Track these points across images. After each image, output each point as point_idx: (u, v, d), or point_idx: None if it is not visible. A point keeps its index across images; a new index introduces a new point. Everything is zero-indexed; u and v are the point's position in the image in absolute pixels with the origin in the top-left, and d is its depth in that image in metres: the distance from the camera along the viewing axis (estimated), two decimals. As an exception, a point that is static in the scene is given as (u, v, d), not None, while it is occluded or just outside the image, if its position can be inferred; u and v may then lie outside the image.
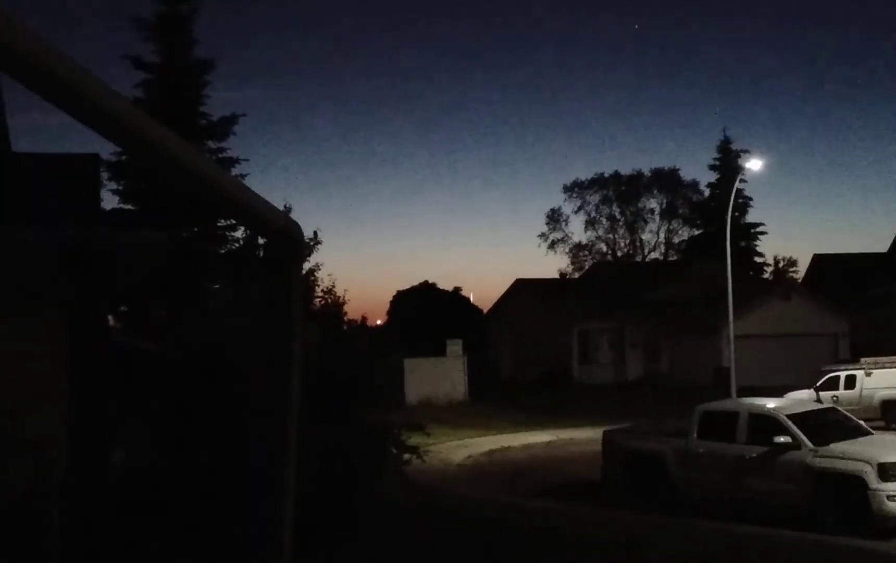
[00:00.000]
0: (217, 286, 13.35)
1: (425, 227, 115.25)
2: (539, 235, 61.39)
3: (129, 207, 26.21)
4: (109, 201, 25.21)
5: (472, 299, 69.07)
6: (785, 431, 16.19)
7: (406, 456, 9.90)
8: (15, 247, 9.92)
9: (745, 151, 50.79)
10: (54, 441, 8.73)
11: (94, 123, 2.09)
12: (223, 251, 18.68)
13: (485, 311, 64.73)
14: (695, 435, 17.64)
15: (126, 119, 2.15)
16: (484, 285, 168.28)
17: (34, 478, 7.76)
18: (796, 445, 15.96)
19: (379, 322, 68.00)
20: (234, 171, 30.22)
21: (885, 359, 32.67)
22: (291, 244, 3.84)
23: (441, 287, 67.10)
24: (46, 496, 7.56)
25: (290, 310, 3.79)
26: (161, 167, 2.47)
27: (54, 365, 9.62)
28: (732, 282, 34.18)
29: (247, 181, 31.35)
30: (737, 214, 41.62)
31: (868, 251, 66.49)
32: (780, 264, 65.34)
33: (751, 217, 63.53)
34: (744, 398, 20.85)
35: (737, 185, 38.80)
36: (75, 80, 1.92)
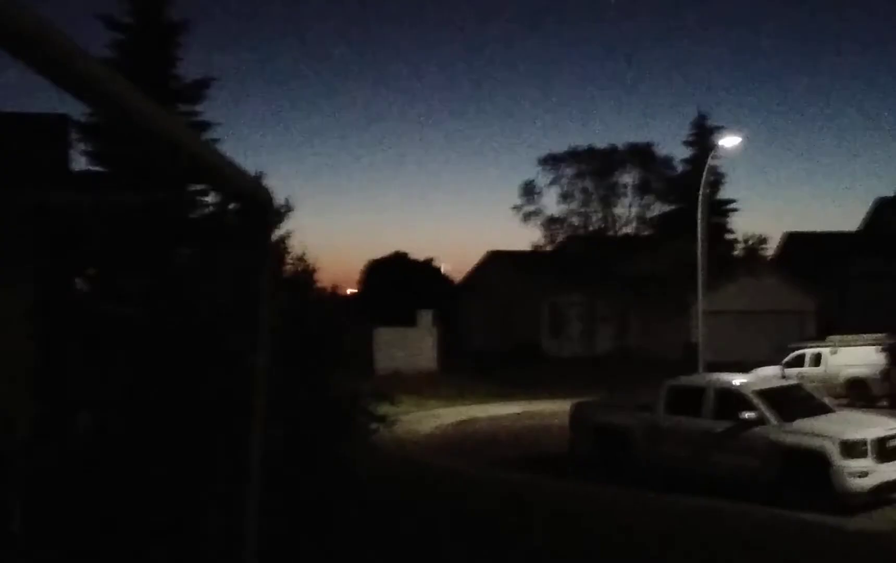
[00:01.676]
0: (188, 251, 13.25)
1: (399, 196, 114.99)
2: (513, 208, 61.08)
3: (100, 169, 25.93)
4: (80, 163, 24.92)
5: (444, 270, 69.18)
6: (751, 406, 16.35)
7: (373, 425, 9.91)
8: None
9: (720, 128, 50.92)
10: (19, 404, 8.66)
11: (61, 81, 2.05)
12: (195, 216, 18.55)
13: (457, 282, 64.82)
14: (662, 410, 17.78)
15: (95, 76, 2.11)
16: (458, 256, 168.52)
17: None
18: (762, 420, 16.12)
19: (351, 291, 67.90)
20: (207, 135, 29.96)
21: (851, 337, 33.06)
22: (261, 211, 3.81)
23: (414, 257, 67.12)
24: (9, 456, 7.51)
25: (259, 277, 3.77)
26: (130, 126, 2.43)
27: (19, 327, 9.52)
28: (703, 258, 34.38)
29: (219, 147, 31.14)
30: (709, 191, 41.78)
31: (840, 230, 67.13)
32: (750, 242, 65.65)
33: (725, 193, 63.73)
34: (711, 374, 21.03)
35: (710, 162, 38.88)
36: (43, 36, 1.88)
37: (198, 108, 29.94)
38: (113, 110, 2.35)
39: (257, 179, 3.98)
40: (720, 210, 62.47)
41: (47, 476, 7.53)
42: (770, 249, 67.13)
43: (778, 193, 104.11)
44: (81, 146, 24.96)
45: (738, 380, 18.18)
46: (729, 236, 64.16)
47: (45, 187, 10.59)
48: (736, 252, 62.41)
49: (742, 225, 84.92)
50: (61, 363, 9.30)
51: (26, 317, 9.44)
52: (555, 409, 26.70)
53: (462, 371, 41.21)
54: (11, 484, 7.25)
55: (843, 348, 32.33)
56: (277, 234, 10.13)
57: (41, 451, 7.81)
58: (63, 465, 7.79)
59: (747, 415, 16.23)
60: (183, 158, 2.82)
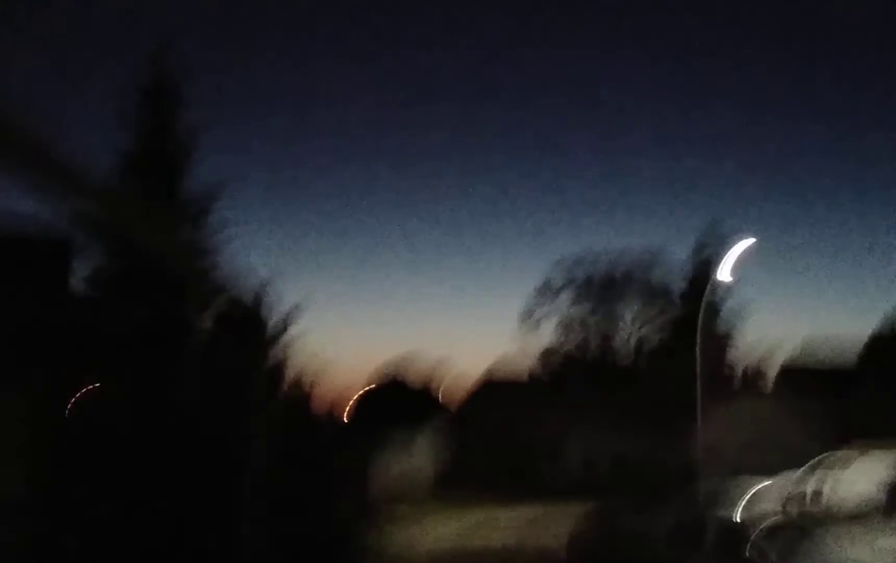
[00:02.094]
0: (186, 361, 13.26)
1: (408, 303, 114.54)
2: (513, 333, 61.28)
3: (97, 291, 26.01)
4: (81, 279, 25.06)
5: (441, 397, 68.83)
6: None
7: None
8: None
9: (733, 234, 51.03)
10: (6, 525, 8.52)
11: (63, 213, 2.06)
12: (196, 326, 18.60)
13: (456, 402, 64.55)
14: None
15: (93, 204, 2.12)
16: (469, 359, 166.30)
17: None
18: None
19: (348, 409, 67.53)
20: (217, 237, 30.06)
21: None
22: (258, 326, 3.81)
23: (411, 384, 66.88)
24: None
25: (253, 391, 3.75)
26: (129, 254, 2.44)
27: (10, 446, 9.43)
28: (703, 387, 34.26)
29: (229, 249, 31.25)
30: (708, 319, 41.85)
31: (836, 363, 66.67)
32: (749, 374, 65.49)
33: (735, 302, 63.10)
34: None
35: (706, 298, 39.06)
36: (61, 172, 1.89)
37: (208, 214, 30.18)
38: (105, 230, 2.36)
39: (253, 303, 4.00)
40: (719, 341, 62.35)
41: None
42: (767, 383, 66.89)
43: (793, 297, 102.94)
44: (83, 268, 25.13)
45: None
46: (732, 357, 63.70)
47: (49, 307, 10.63)
48: (737, 377, 62.18)
49: (756, 330, 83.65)
50: (52, 484, 9.18)
51: (19, 437, 9.38)
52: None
53: (460, 496, 41.11)
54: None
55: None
56: (282, 348, 10.15)
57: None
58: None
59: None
60: (181, 276, 2.83)
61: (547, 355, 61.22)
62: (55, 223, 10.69)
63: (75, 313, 11.83)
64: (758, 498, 25.91)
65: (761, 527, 16.76)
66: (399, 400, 63.32)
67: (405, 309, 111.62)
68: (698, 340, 34.97)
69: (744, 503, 20.03)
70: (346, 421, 64.64)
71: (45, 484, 9.13)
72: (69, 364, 11.53)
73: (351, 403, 69.18)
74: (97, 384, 13.24)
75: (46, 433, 9.80)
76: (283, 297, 15.67)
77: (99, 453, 8.63)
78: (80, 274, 23.47)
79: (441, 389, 75.39)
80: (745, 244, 36.61)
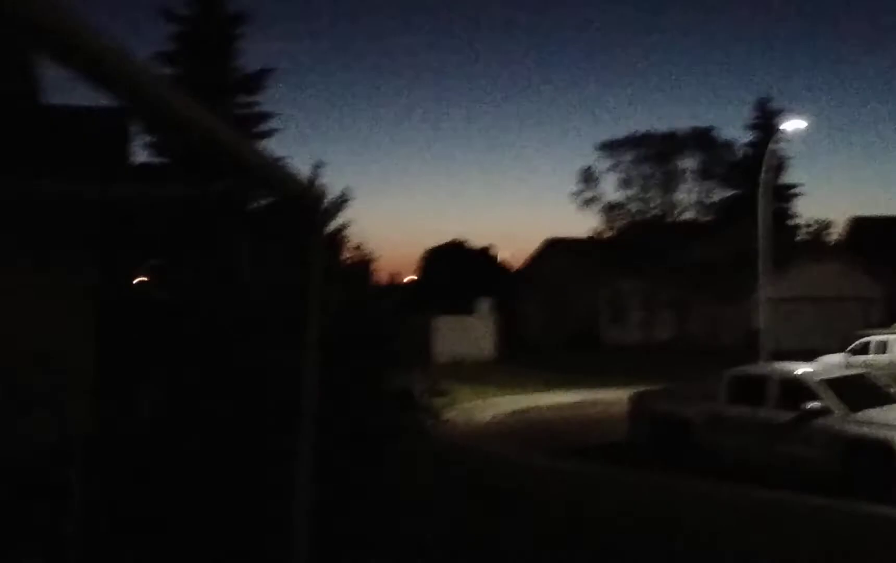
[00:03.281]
0: (244, 243, 13.32)
1: (457, 184, 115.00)
2: (571, 195, 60.71)
3: (159, 160, 26.31)
4: (140, 154, 25.32)
5: (501, 259, 69.00)
6: (815, 396, 16.02)
7: (430, 421, 9.86)
8: (41, 201, 9.93)
9: (784, 111, 50.19)
10: (81, 397, 8.77)
11: (101, 83, 2.01)
12: (253, 207, 18.69)
13: (515, 269, 64.63)
14: (723, 399, 17.51)
15: (134, 79, 2.07)
16: (515, 244, 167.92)
17: (56, 435, 7.80)
18: (827, 411, 15.80)
19: (409, 279, 68.14)
20: (265, 125, 30.23)
21: (919, 325, 32.36)
22: (312, 213, 3.77)
23: (471, 245, 67.06)
24: (68, 454, 7.59)
25: (310, 276, 3.73)
26: (173, 129, 2.40)
27: (81, 320, 9.65)
28: (766, 244, 33.85)
29: (278, 135, 31.40)
30: (772, 175, 41.02)
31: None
32: (814, 227, 64.49)
33: (789, 178, 62.85)
34: (774, 363, 20.65)
35: (773, 145, 38.22)
36: (100, 53, 1.84)
37: (256, 98, 30.28)
38: (154, 113, 2.31)
39: (307, 181, 3.94)
40: (783, 195, 61.56)
41: (105, 479, 7.59)
42: (835, 234, 66.06)
43: (843, 178, 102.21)
44: (141, 138, 25.34)
45: (801, 369, 17.81)
46: (792, 222, 63.21)
47: (106, 180, 10.72)
48: (799, 238, 61.42)
49: (806, 210, 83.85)
50: (122, 356, 9.39)
51: (87, 310, 9.57)
52: (615, 397, 26.48)
53: (520, 359, 41.07)
54: (68, 487, 7.32)
55: (910, 336, 31.61)
56: (334, 224, 10.10)
57: (100, 450, 7.88)
58: (126, 454, 7.84)
59: (811, 405, 15.92)
60: (233, 163, 2.78)
61: (608, 211, 60.82)
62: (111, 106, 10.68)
63: (135, 189, 11.92)
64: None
65: (823, 378, 16.61)
66: (461, 261, 63.66)
67: (456, 190, 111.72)
68: (761, 189, 34.39)
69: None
70: (409, 282, 65.62)
71: (115, 356, 9.36)
72: (128, 238, 11.68)
73: (417, 263, 69.82)
74: (158, 263, 13.42)
75: (113, 305, 10.00)
76: (332, 183, 15.64)
77: (159, 334, 8.80)
78: (138, 153, 23.59)
79: (501, 250, 75.62)
80: (795, 123, 35.92)
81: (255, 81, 29.91)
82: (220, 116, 2.63)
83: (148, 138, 26.15)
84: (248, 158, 2.94)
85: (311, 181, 4.43)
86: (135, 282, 12.97)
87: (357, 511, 7.93)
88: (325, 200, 4.13)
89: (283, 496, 3.83)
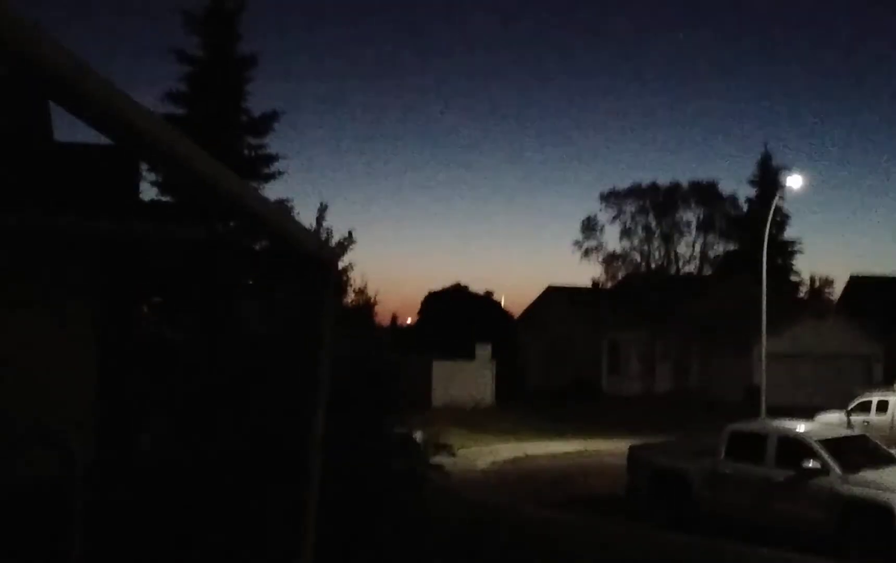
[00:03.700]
0: (251, 282, 13.40)
1: (459, 229, 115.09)
2: (573, 243, 60.96)
3: (166, 199, 26.42)
4: (148, 192, 25.46)
5: (503, 304, 68.95)
6: (814, 456, 16.00)
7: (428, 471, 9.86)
8: (50, 236, 10.02)
9: (786, 168, 50.39)
10: (81, 430, 8.80)
11: (124, 142, 2.09)
12: (258, 248, 18.80)
13: (516, 316, 64.58)
14: (722, 455, 17.49)
15: (158, 138, 2.14)
16: (516, 291, 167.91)
17: (59, 467, 7.82)
18: (825, 470, 15.77)
19: (409, 321, 68.10)
20: (273, 167, 30.40)
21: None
22: (325, 271, 3.84)
23: (473, 290, 67.02)
24: (70, 486, 7.61)
25: (319, 329, 3.79)
26: (194, 187, 2.46)
27: (84, 354, 9.70)
28: (767, 299, 33.88)
29: (284, 176, 31.57)
30: (774, 231, 41.16)
31: None
32: (816, 284, 64.60)
33: (790, 234, 63.06)
34: (774, 420, 20.63)
35: (776, 201, 38.39)
36: (107, 101, 1.91)
37: (264, 140, 30.48)
38: (176, 171, 2.38)
39: (322, 240, 4.01)
40: (785, 251, 61.72)
41: (107, 509, 7.61)
42: (835, 292, 66.07)
43: (843, 235, 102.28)
44: (151, 176, 25.48)
45: (801, 428, 17.80)
46: (793, 278, 63.31)
47: (117, 217, 10.81)
48: (800, 294, 61.46)
49: (806, 266, 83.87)
50: (122, 391, 9.44)
51: (90, 344, 9.61)
52: (613, 448, 26.42)
53: (519, 406, 40.98)
54: (71, 517, 7.34)
55: (910, 396, 31.48)
56: (339, 265, 10.18)
57: (102, 481, 7.91)
58: (127, 487, 7.87)
59: (810, 464, 15.90)
60: (246, 218, 2.85)
61: (610, 261, 60.98)
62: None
63: (141, 223, 12.01)
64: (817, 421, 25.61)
65: (822, 438, 16.62)
66: (462, 305, 63.58)
67: (459, 235, 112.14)
68: (764, 245, 34.51)
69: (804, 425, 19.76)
70: (411, 323, 65.51)
71: (116, 390, 9.39)
72: (134, 275, 11.76)
73: (418, 306, 69.82)
74: (160, 299, 13.49)
75: (116, 341, 10.05)
76: (336, 225, 15.73)
77: (163, 363, 8.86)
78: (145, 189, 23.71)
79: (503, 296, 75.63)
80: (797, 180, 36.07)
81: (264, 124, 30.12)
82: (243, 179, 2.71)
83: (157, 176, 26.28)
84: (267, 216, 3.02)
85: (326, 241, 4.51)
86: (139, 319, 13.04)
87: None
88: (339, 261, 4.21)
89: (281, 542, 3.87)
